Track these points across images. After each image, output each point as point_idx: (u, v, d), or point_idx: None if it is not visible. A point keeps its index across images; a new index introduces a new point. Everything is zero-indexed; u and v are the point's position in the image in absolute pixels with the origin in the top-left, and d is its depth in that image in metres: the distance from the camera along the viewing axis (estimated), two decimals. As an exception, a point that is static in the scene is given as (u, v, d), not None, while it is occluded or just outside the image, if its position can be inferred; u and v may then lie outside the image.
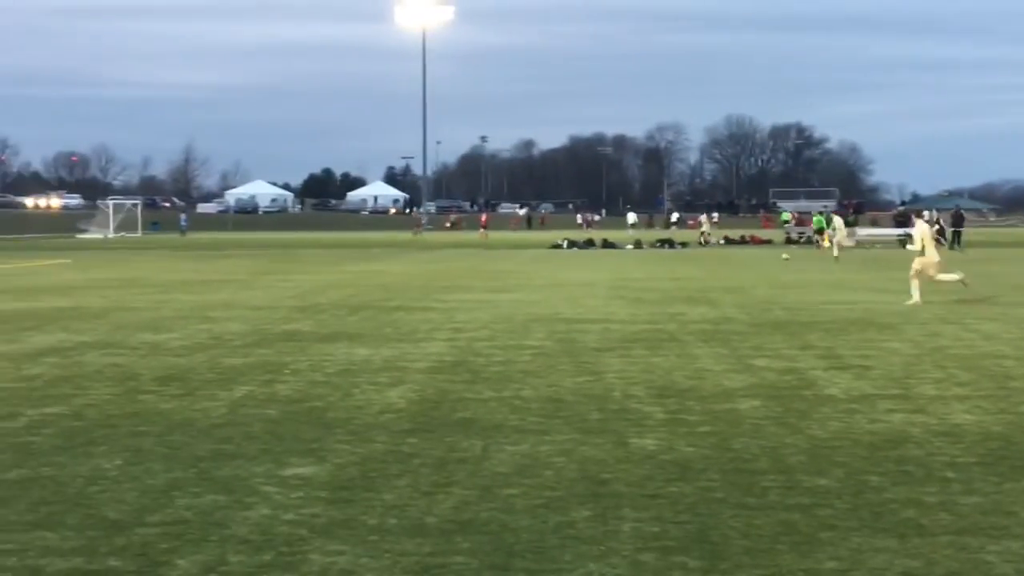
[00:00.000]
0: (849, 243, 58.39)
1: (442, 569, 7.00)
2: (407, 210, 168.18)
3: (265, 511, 8.31)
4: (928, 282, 25.86)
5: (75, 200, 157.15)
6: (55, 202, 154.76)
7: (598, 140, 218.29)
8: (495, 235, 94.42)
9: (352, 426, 11.51)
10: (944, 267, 26.93)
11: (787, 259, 49.58)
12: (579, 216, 70.47)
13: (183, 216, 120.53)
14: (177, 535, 7.70)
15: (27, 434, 11.15)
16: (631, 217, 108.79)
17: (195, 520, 8.08)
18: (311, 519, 8.09)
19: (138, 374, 15.17)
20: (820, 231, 65.34)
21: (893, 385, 13.98)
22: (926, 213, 30.94)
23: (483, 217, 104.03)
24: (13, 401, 13.06)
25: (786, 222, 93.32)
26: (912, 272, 25.86)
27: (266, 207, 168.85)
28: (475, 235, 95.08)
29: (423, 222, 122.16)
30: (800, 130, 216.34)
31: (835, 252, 49.54)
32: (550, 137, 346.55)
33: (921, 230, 26.16)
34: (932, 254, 25.77)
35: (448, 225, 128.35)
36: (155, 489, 8.97)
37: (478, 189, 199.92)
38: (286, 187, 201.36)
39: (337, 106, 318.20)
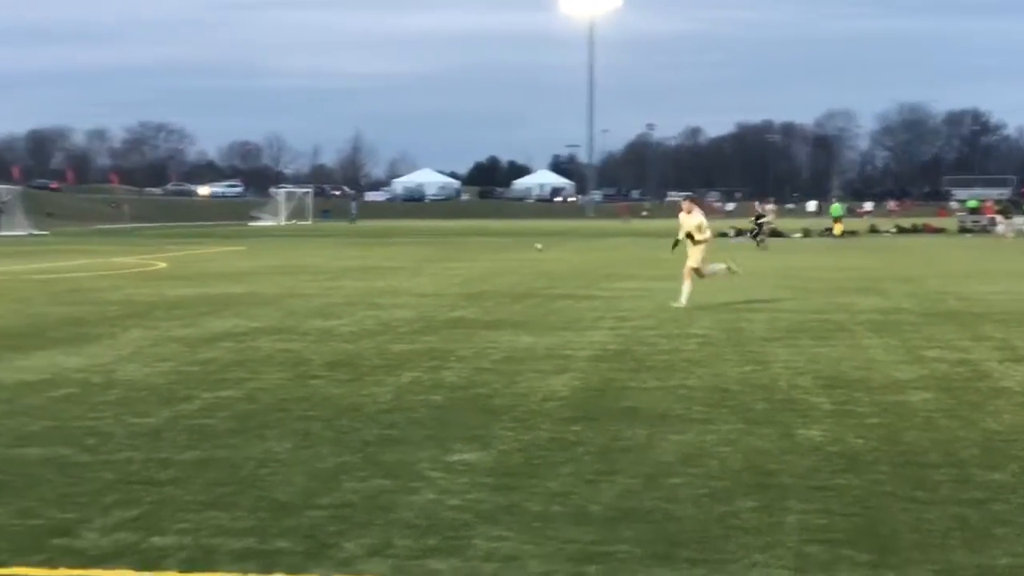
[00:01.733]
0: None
1: (606, 557, 7.00)
2: (572, 198, 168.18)
3: (430, 496, 8.40)
4: None
5: (232, 189, 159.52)
6: (203, 191, 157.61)
7: (766, 127, 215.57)
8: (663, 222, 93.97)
9: (516, 413, 11.57)
10: None
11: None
12: (756, 204, 69.02)
13: (353, 204, 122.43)
14: (344, 518, 7.83)
15: (202, 416, 11.45)
16: (811, 205, 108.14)
17: (362, 504, 8.20)
18: (475, 505, 8.16)
19: (308, 359, 15.46)
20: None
21: (1072, 378, 13.57)
22: None
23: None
24: (189, 384, 13.42)
25: (974, 210, 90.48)
26: None
27: (433, 195, 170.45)
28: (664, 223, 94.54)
29: (643, 212, 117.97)
30: (976, 116, 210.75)
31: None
32: (717, 125, 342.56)
33: None
34: None
35: (644, 214, 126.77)
36: (324, 473, 9.13)
37: (644, 177, 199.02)
38: (453, 175, 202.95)
39: (504, 95, 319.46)
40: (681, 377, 13.84)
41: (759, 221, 56.13)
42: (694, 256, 22.84)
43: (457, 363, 15.07)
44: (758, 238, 53.66)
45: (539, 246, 47.25)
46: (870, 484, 8.70)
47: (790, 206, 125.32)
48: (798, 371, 14.23)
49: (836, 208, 71.94)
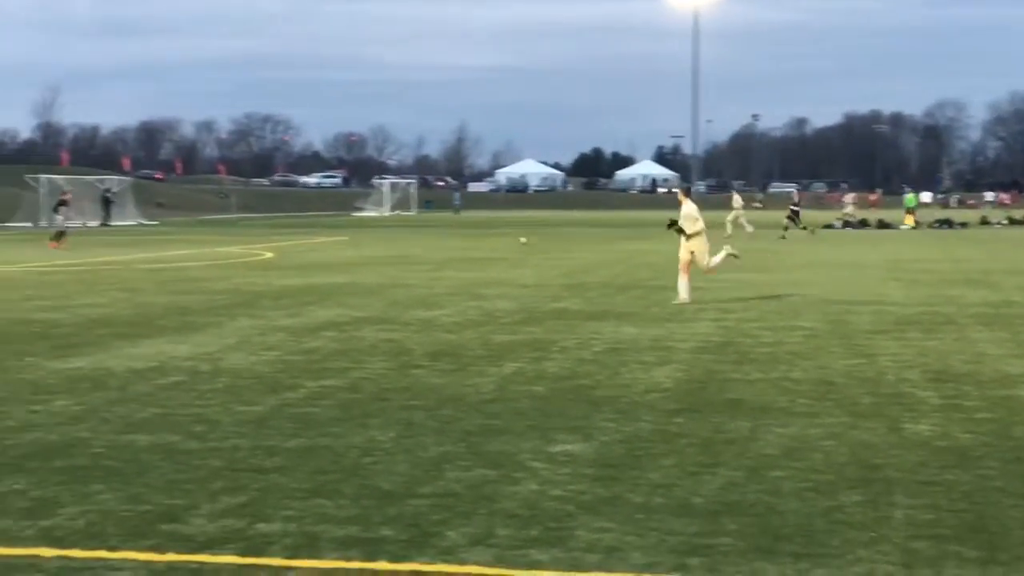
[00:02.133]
0: None
1: (708, 549, 6.96)
2: (675, 189, 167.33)
3: (533, 486, 8.41)
4: None
5: (328, 179, 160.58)
6: (310, 180, 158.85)
7: (874, 118, 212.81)
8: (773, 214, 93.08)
9: (619, 404, 11.54)
10: None
11: None
12: (847, 196, 67.45)
13: (457, 195, 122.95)
14: (447, 507, 7.86)
15: (307, 405, 11.57)
16: (925, 196, 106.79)
17: (465, 493, 8.23)
18: (577, 496, 8.15)
19: (411, 349, 15.55)
20: None
21: None
22: None
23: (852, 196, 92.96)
24: (294, 373, 13.56)
25: None
26: None
27: (536, 186, 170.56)
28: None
29: (755, 203, 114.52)
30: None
31: None
32: (823, 115, 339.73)
33: None
34: None
35: (757, 205, 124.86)
36: (426, 462, 9.18)
37: (749, 168, 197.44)
38: (556, 166, 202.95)
39: (608, 86, 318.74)
40: (785, 369, 13.72)
41: (793, 209, 55.48)
42: (689, 250, 21.96)
43: (559, 354, 15.07)
44: (787, 230, 52.72)
45: (524, 239, 46.09)
46: (979, 480, 8.56)
47: (923, 195, 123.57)
48: (905, 364, 14.04)
49: (910, 199, 70.50)
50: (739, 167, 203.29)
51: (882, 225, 65.23)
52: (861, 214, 70.97)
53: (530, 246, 43.15)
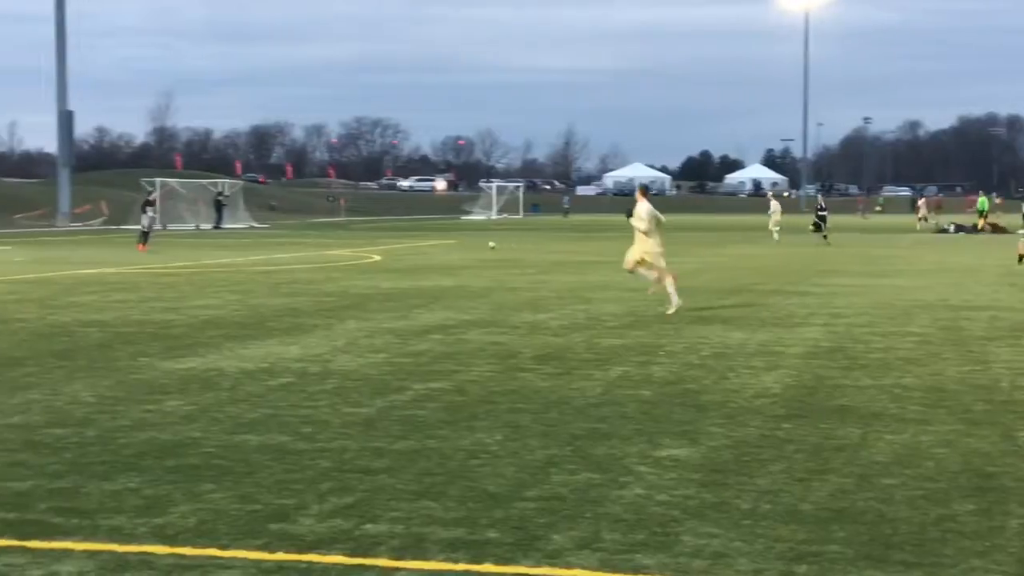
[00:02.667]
0: None
1: (817, 557, 6.89)
2: (785, 193, 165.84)
3: (639, 491, 8.38)
4: None
5: (422, 183, 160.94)
6: (404, 184, 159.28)
7: (990, 121, 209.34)
8: (886, 219, 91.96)
9: (726, 409, 11.46)
10: None
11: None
12: (819, 196, 64.04)
13: (566, 198, 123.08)
14: (553, 511, 7.86)
15: (414, 407, 11.63)
16: None
17: (571, 497, 8.22)
18: (684, 501, 8.11)
19: (517, 352, 15.57)
20: None
21: None
22: None
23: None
24: (401, 375, 13.65)
25: None
26: None
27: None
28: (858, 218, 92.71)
29: (876, 207, 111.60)
30: None
31: None
32: (937, 118, 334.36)
33: None
34: None
35: (878, 209, 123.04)
36: (532, 465, 9.19)
37: (860, 172, 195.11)
38: (663, 170, 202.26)
39: (716, 89, 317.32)
40: (896, 376, 13.53)
41: (820, 214, 54.16)
42: (640, 249, 21.15)
43: (666, 358, 15.01)
44: (822, 232, 51.86)
45: (492, 244, 44.71)
46: (1097, 490, 8.37)
47: None
48: (1020, 372, 13.78)
49: (983, 202, 68.66)
50: (850, 171, 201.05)
51: (996, 230, 64.01)
52: (943, 219, 69.88)
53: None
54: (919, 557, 6.88)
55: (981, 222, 65.08)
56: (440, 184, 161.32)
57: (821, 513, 7.80)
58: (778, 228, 53.13)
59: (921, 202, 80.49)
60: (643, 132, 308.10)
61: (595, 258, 39.31)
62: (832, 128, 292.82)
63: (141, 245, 42.98)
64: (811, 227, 53.39)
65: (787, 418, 11.03)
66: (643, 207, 21.52)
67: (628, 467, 9.10)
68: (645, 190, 22.64)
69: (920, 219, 71.13)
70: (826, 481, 8.66)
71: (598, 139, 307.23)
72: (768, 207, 55.33)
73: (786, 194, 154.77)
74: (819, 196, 63.44)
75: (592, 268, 33.79)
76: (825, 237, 51.50)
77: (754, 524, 7.54)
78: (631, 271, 21.67)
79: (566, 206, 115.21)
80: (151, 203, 45.94)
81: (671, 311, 20.38)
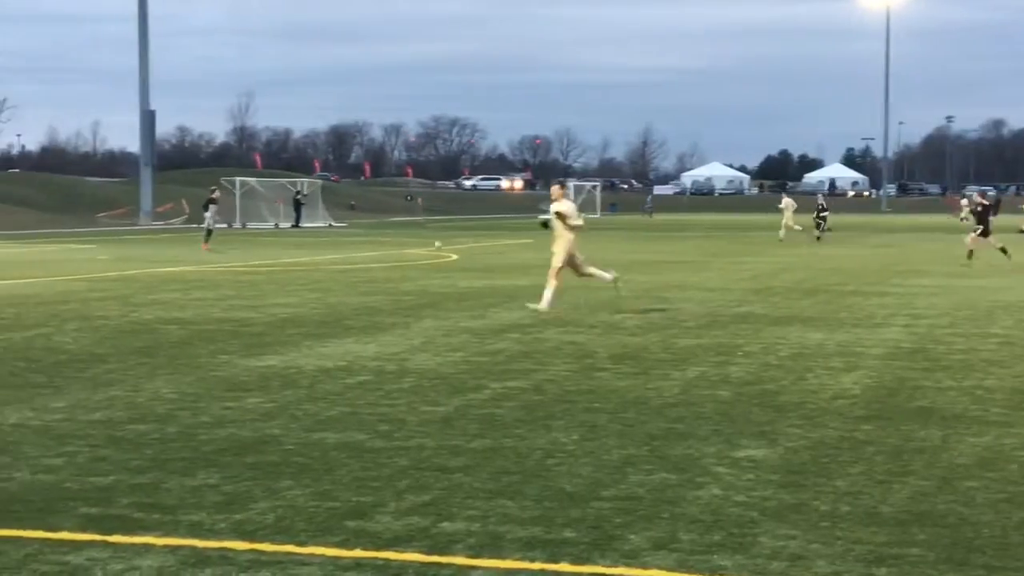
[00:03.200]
0: None
1: (897, 560, 6.81)
2: (865, 192, 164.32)
3: (716, 491, 8.33)
4: None
5: (486, 182, 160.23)
6: (466, 183, 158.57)
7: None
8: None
9: (805, 410, 11.38)
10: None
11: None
12: (819, 196, 62.36)
13: (649, 197, 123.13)
14: (630, 511, 7.84)
15: (491, 406, 11.65)
16: None
17: (647, 497, 8.20)
18: (762, 502, 8.06)
19: (594, 352, 15.55)
20: None
21: None
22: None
23: None
24: (478, 374, 13.68)
25: None
26: None
27: (722, 189, 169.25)
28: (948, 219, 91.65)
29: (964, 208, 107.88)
30: None
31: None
32: (1021, 116, 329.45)
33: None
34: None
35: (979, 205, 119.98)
36: (609, 465, 9.17)
37: (942, 171, 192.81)
38: (742, 169, 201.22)
39: (796, 87, 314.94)
40: (979, 377, 13.36)
41: (821, 215, 53.95)
42: (558, 251, 20.70)
43: (744, 358, 14.92)
44: (821, 229, 52.14)
45: (438, 244, 43.66)
46: None
47: None
48: (1106, 374, 13.54)
49: None
50: (932, 170, 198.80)
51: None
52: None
53: (700, 249, 42.74)
54: (1002, 561, 6.79)
55: None
56: (507, 183, 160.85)
57: (901, 515, 7.72)
58: (799, 228, 53.10)
59: (964, 201, 78.98)
60: (721, 131, 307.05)
61: (672, 258, 39.19)
62: (914, 127, 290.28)
63: (204, 244, 43.26)
64: (813, 228, 53.10)
65: (867, 419, 10.93)
66: (569, 205, 21.13)
67: (705, 467, 9.06)
68: (563, 186, 21.98)
69: (961, 219, 69.60)
70: (906, 483, 8.57)
71: (676, 138, 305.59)
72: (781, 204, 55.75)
73: (866, 193, 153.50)
74: (820, 196, 62.91)
75: (669, 268, 33.68)
76: (818, 238, 51.44)
77: (833, 526, 7.47)
78: (589, 275, 21.25)
79: (648, 206, 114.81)
80: (213, 201, 45.60)
81: (535, 308, 20.19)
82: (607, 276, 21.42)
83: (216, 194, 46.82)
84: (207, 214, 44.76)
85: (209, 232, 44.08)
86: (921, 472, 8.91)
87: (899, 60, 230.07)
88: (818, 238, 51.60)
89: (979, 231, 35.39)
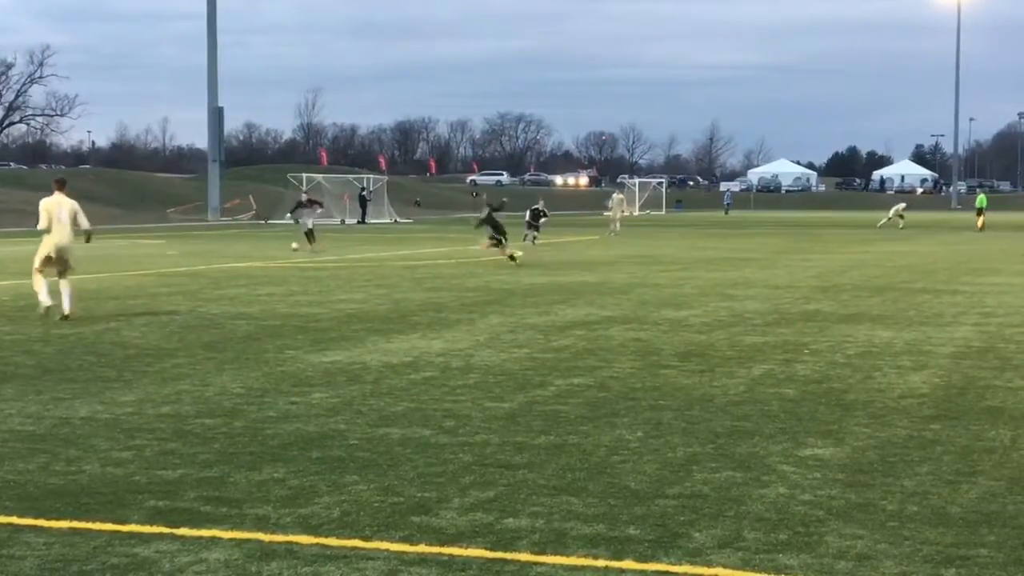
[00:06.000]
0: None
1: (965, 561, 6.74)
2: (936, 189, 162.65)
3: (782, 490, 8.28)
4: None
5: (490, 178, 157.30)
6: (480, 179, 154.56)
7: None
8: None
9: (872, 409, 11.28)
10: None
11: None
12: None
13: (727, 193, 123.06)
14: (694, 508, 7.81)
15: (556, 403, 11.64)
16: None
17: (712, 495, 8.16)
18: (828, 501, 8.00)
19: (659, 349, 15.50)
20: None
21: None
22: None
23: None
24: (543, 371, 13.67)
25: None
26: None
27: (788, 186, 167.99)
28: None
29: None
30: None
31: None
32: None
33: None
34: None
35: None
36: (674, 462, 9.14)
37: (1014, 167, 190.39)
38: (809, 166, 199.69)
39: (865, 83, 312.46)
40: (1050, 377, 13.18)
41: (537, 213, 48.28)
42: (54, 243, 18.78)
43: (811, 356, 14.82)
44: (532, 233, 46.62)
45: (295, 246, 39.25)
46: None
47: None
48: None
49: (982, 199, 66.89)
50: (1004, 167, 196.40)
51: None
52: None
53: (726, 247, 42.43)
54: (1072, 563, 6.70)
55: (980, 220, 63.24)
56: (560, 180, 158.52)
57: (970, 516, 7.63)
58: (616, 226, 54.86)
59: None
60: (789, 127, 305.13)
61: (738, 255, 38.99)
62: (985, 123, 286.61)
63: (309, 244, 39.46)
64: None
65: (935, 419, 10.82)
66: (65, 204, 19.01)
67: (771, 466, 9.00)
68: (62, 184, 19.46)
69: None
70: (975, 483, 8.47)
71: (743, 135, 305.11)
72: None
73: (920, 191, 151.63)
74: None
75: (735, 265, 33.51)
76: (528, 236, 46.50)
77: (900, 526, 7.40)
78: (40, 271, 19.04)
79: (727, 202, 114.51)
80: (304, 204, 41.79)
81: (41, 311, 18.68)
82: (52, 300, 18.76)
83: (305, 197, 43.09)
84: (303, 219, 40.87)
85: (310, 231, 39.90)
86: (990, 472, 8.81)
87: (970, 56, 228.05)
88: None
89: None
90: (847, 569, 6.62)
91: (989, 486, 8.41)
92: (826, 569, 6.62)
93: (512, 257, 32.14)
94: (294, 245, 39.06)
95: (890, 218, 66.31)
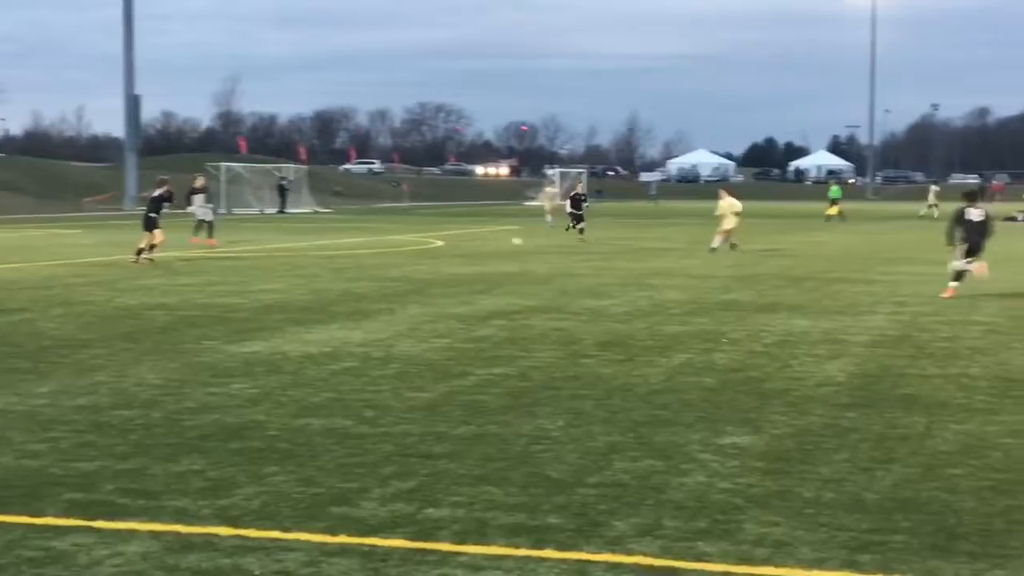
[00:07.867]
0: None
1: (880, 547, 6.83)
2: (852, 180, 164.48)
3: (701, 478, 8.35)
4: None
5: (362, 166, 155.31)
6: (353, 168, 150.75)
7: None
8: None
9: (789, 398, 11.40)
10: None
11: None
12: (933, 188, 66.76)
13: (653, 184, 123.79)
14: (615, 497, 7.85)
15: (476, 392, 11.65)
16: None
17: (632, 484, 8.21)
18: (746, 488, 8.07)
19: (580, 339, 15.56)
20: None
21: None
22: None
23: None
24: (464, 361, 13.67)
25: None
26: None
27: (707, 176, 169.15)
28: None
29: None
30: None
31: None
32: (1007, 104, 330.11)
33: None
34: None
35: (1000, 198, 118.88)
36: (594, 451, 9.18)
37: (927, 159, 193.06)
38: (728, 156, 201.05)
39: (781, 75, 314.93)
40: (963, 365, 13.39)
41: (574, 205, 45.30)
42: None
43: (729, 345, 14.94)
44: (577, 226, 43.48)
45: (517, 240, 39.11)
46: None
47: None
48: (1089, 362, 13.59)
49: (835, 190, 67.57)
50: (917, 158, 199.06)
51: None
52: (1011, 207, 68.88)
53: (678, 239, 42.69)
54: (985, 548, 6.82)
55: (833, 210, 63.92)
56: (481, 170, 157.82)
57: (885, 503, 7.74)
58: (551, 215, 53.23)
59: (934, 188, 78.14)
60: (708, 118, 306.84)
61: (658, 245, 39.19)
62: (899, 115, 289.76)
63: (194, 237, 38.35)
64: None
65: (851, 407, 10.95)
66: None
67: (690, 454, 9.07)
68: None
69: (930, 206, 68.90)
70: (890, 471, 8.59)
71: (663, 125, 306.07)
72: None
73: (852, 180, 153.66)
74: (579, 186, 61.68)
75: (655, 255, 33.69)
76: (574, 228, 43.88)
77: (817, 513, 7.49)
78: None
79: (653, 192, 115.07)
80: (197, 191, 39.73)
81: None
82: None
83: (200, 182, 41.32)
84: (191, 207, 39.46)
85: (202, 223, 38.84)
86: (905, 459, 8.94)
87: (885, 48, 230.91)
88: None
89: None
90: (765, 556, 6.69)
91: (904, 473, 8.53)
92: (744, 556, 6.69)
93: None
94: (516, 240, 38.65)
95: (930, 206, 66.06)
